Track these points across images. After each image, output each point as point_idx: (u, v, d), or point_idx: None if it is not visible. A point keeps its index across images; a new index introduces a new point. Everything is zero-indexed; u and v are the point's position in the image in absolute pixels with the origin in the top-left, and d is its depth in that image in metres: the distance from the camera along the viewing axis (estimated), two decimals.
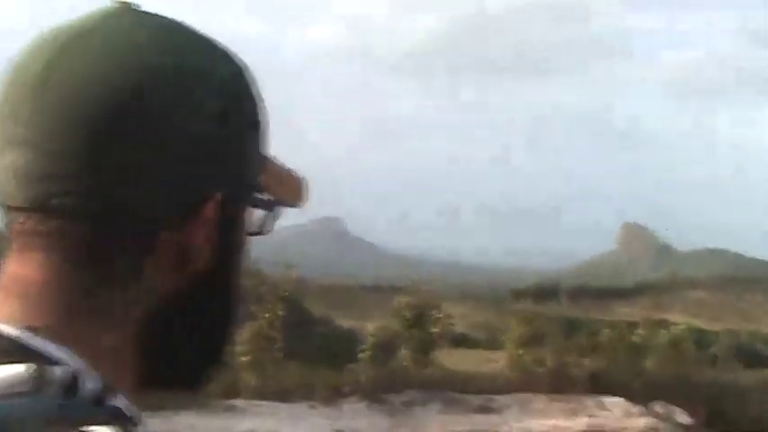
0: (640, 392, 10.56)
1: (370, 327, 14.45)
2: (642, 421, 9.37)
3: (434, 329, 12.92)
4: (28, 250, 0.55)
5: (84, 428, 0.49)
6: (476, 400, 10.08)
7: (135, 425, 0.54)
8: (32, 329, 0.53)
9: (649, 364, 13.27)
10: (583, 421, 9.46)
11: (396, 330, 13.31)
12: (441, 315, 13.30)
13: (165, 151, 0.55)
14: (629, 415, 9.73)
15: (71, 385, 0.51)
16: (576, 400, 10.30)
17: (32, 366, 0.50)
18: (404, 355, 12.68)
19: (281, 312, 12.22)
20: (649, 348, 14.32)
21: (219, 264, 0.61)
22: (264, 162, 0.66)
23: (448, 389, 10.21)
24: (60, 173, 0.53)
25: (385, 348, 12.98)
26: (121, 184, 0.54)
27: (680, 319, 26.14)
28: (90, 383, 0.52)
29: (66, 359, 0.53)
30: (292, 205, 0.71)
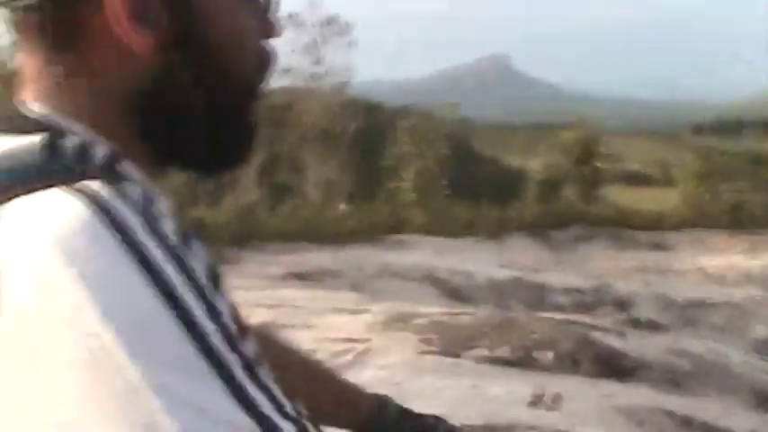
0: None
1: (536, 164, 14.23)
2: None
3: (602, 165, 12.55)
4: (21, 40, 0.60)
5: (78, 184, 0.51)
6: (646, 236, 9.82)
7: (136, 184, 0.54)
8: (53, 108, 0.57)
9: None
10: (764, 259, 8.98)
11: (562, 167, 13.03)
12: (609, 152, 12.85)
13: None
14: None
15: (82, 152, 0.55)
16: (756, 238, 9.76)
17: (47, 135, 0.55)
18: (571, 191, 12.47)
19: (445, 151, 12.28)
20: None
21: (156, 39, 0.57)
22: None
23: (616, 225, 9.98)
24: None
25: (551, 185, 12.79)
26: None
27: None
28: (100, 152, 0.56)
29: (79, 131, 0.56)
30: None
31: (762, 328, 7.12)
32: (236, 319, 0.54)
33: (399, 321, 5.57)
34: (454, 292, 7.37)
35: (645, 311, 7.18)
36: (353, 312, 5.82)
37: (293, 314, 5.58)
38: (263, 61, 0.64)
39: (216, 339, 0.49)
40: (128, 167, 0.57)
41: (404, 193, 11.78)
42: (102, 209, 0.49)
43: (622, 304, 7.34)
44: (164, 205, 0.55)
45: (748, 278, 8.46)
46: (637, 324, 6.74)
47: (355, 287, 7.13)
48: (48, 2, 0.56)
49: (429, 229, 9.87)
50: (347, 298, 6.41)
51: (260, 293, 5.88)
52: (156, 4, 0.57)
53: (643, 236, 9.80)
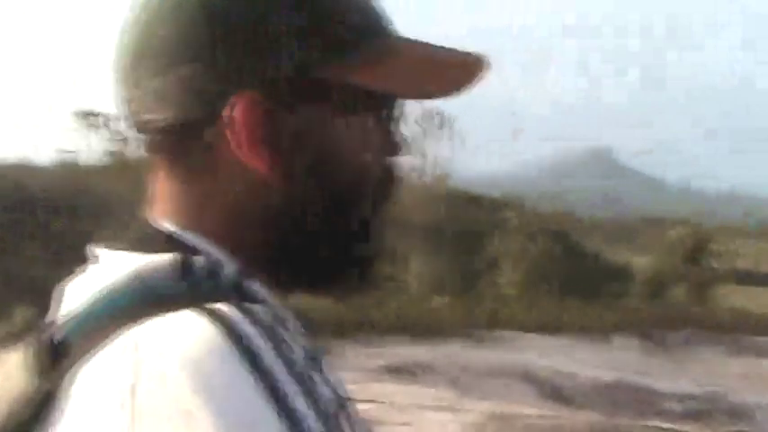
0: None
1: (642, 261, 13.80)
2: None
3: (714, 264, 12.04)
4: (152, 159, 0.63)
5: (210, 305, 0.51)
6: (764, 343, 9.25)
7: (265, 305, 0.54)
8: (183, 226, 0.59)
9: None
10: None
11: (670, 265, 12.58)
12: (719, 248, 12.35)
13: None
14: None
15: (212, 272, 0.56)
16: None
17: (180, 254, 0.56)
18: (679, 291, 11.98)
19: (549, 246, 12.11)
20: None
21: (282, 168, 0.59)
22: (356, 47, 0.60)
23: (730, 328, 9.47)
24: (122, 97, 0.62)
25: (658, 283, 12.33)
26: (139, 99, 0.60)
27: None
28: (229, 270, 0.57)
29: (210, 251, 0.58)
30: (432, 95, 0.64)
31: None
32: None
33: (499, 420, 5.40)
34: (556, 394, 7.11)
35: (764, 425, 6.70)
36: (451, 410, 5.69)
37: (391, 410, 5.51)
38: (387, 180, 0.65)
39: None
40: (256, 287, 0.58)
41: (504, 287, 11.62)
42: (232, 332, 0.50)
43: (737, 414, 6.88)
44: (292, 326, 0.55)
45: None
46: None
47: (453, 384, 6.99)
48: (183, 126, 0.59)
49: (530, 326, 9.64)
50: (445, 395, 6.29)
51: (357, 387, 5.84)
52: (287, 131, 0.58)
53: (760, 341, 9.24)
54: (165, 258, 0.56)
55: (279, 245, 0.60)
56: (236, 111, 0.57)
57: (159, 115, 0.59)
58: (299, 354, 0.52)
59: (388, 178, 0.65)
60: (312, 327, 0.62)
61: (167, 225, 0.60)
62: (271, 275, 0.60)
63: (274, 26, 0.58)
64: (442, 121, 13.77)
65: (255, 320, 0.51)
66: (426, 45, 0.63)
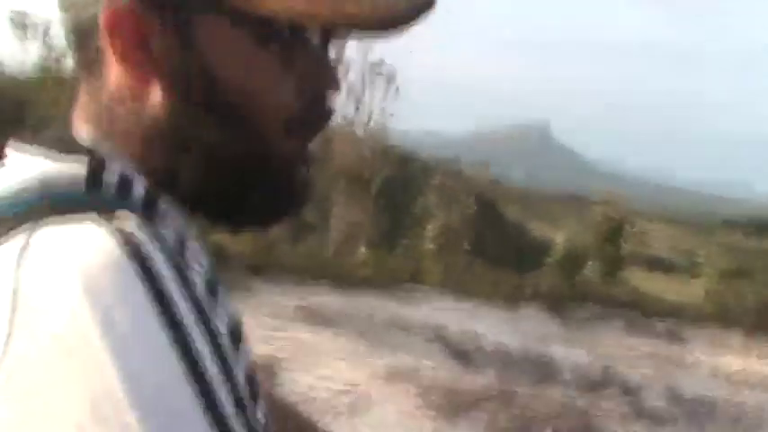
0: None
1: (562, 236, 14.16)
2: None
3: (627, 246, 12.45)
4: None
5: (113, 219, 0.50)
6: (663, 325, 9.67)
7: (172, 228, 0.54)
8: (99, 137, 0.58)
9: None
10: None
11: (587, 243, 12.94)
12: (635, 231, 12.76)
13: None
14: None
15: (123, 186, 0.55)
16: None
17: (90, 164, 0.55)
18: (592, 268, 12.36)
19: (471, 210, 12.28)
20: None
21: (164, 87, 0.56)
22: None
23: (633, 309, 9.85)
24: None
25: (572, 260, 12.68)
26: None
27: None
28: (140, 187, 0.56)
29: (122, 164, 0.56)
30: (353, 21, 0.56)
31: None
32: (251, 378, 0.53)
33: (402, 375, 5.51)
34: (460, 354, 7.29)
35: (651, 401, 7.04)
36: (357, 360, 5.77)
37: (297, 353, 5.55)
38: (311, 113, 0.62)
39: (229, 416, 0.48)
40: (166, 206, 0.56)
41: (424, 244, 11.76)
42: (133, 251, 0.48)
43: (629, 390, 7.21)
44: (197, 251, 0.54)
45: (762, 384, 8.27)
46: (640, 413, 6.61)
47: (362, 335, 7.09)
48: (80, 31, 0.57)
49: (445, 287, 9.82)
50: (352, 346, 6.37)
51: (267, 329, 5.86)
52: (157, 36, 0.55)
53: (659, 324, 9.65)
54: (73, 167, 0.54)
55: (175, 170, 0.57)
56: (108, 17, 0.54)
57: (67, 15, 0.57)
58: (200, 279, 0.51)
59: (313, 113, 0.62)
60: (228, 262, 0.61)
61: (84, 134, 0.58)
62: (178, 201, 0.58)
63: None
64: (387, 75, 13.69)
65: (157, 239, 0.50)
66: None
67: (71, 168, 0.54)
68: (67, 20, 0.58)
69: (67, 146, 0.57)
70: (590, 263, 12.40)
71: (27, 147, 0.57)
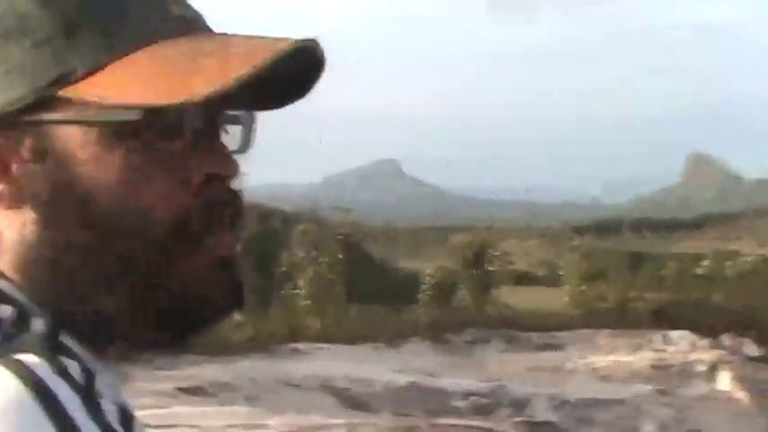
0: (708, 326, 10.35)
1: (430, 267, 14.48)
2: (710, 355, 9.18)
3: (493, 268, 12.89)
4: None
5: (12, 356, 0.47)
6: (538, 337, 10.04)
7: (75, 359, 0.50)
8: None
9: (717, 296, 12.98)
10: (648, 356, 9.33)
11: (454, 270, 13.30)
12: (498, 253, 13.25)
13: None
14: (695, 348, 9.55)
15: (20, 321, 0.51)
16: (640, 335, 10.16)
17: None
18: (463, 294, 12.69)
19: (340, 255, 12.34)
20: (717, 281, 14.00)
21: (35, 213, 0.52)
22: (94, 58, 0.50)
23: (509, 327, 10.19)
24: None
25: (444, 288, 12.99)
26: None
27: (750, 251, 25.48)
28: (38, 322, 0.51)
29: (18, 298, 0.52)
30: (187, 99, 0.49)
31: (648, 423, 7.33)
32: None
33: None
34: (353, 401, 7.25)
35: (540, 412, 7.27)
36: (249, 428, 5.62)
37: None
38: (202, 208, 0.54)
39: None
40: (68, 340, 0.52)
41: (298, 300, 11.67)
42: (37, 385, 0.45)
43: (518, 406, 7.41)
44: (106, 382, 0.51)
45: (634, 375, 8.74)
46: (533, 426, 6.81)
47: (250, 400, 6.91)
48: None
49: (325, 337, 9.77)
50: (242, 412, 6.19)
51: (149, 412, 5.59)
52: (11, 153, 0.52)
53: (535, 336, 10.02)
54: None
55: (70, 298, 0.53)
56: None
57: None
58: (110, 410, 0.49)
59: (215, 204, 0.54)
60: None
61: None
62: (82, 327, 0.54)
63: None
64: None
65: (62, 373, 0.47)
66: (217, 36, 0.53)
67: None
68: None
69: None
70: (461, 289, 12.75)
71: None
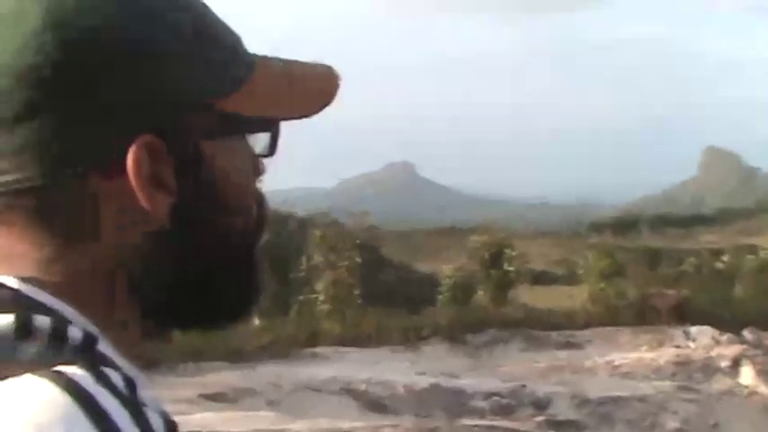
0: (729, 321, 10.27)
1: (447, 269, 14.47)
2: (732, 350, 9.12)
3: (511, 268, 12.86)
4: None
5: (54, 368, 0.47)
6: (557, 336, 10.01)
7: (116, 369, 0.50)
8: (31, 282, 0.53)
9: (738, 290, 12.88)
10: (669, 352, 9.28)
11: (472, 271, 13.28)
12: (515, 253, 13.23)
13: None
14: (717, 343, 9.49)
15: (57, 333, 0.51)
16: (661, 331, 10.10)
17: (19, 314, 0.50)
18: (482, 295, 12.67)
19: (358, 260, 12.36)
20: (736, 275, 13.90)
21: (185, 212, 0.55)
22: (235, 74, 0.57)
23: (528, 326, 10.16)
24: None
25: (462, 289, 12.99)
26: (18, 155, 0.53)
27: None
28: (77, 332, 0.51)
29: (57, 308, 0.52)
30: (307, 113, 0.62)
31: (671, 419, 7.30)
32: None
33: None
34: (374, 404, 7.27)
35: (562, 411, 7.25)
36: None
37: None
38: (261, 205, 0.62)
39: None
40: (107, 349, 0.53)
41: (317, 304, 11.70)
42: (82, 396, 0.46)
43: (540, 405, 7.40)
44: (146, 392, 0.52)
45: (656, 372, 8.70)
46: (555, 424, 6.80)
47: (272, 405, 6.95)
48: (48, 184, 0.53)
49: (344, 341, 9.78)
50: (265, 418, 6.23)
51: (176, 419, 5.64)
52: (169, 169, 0.55)
53: (555, 335, 9.99)
54: (4, 318, 0.50)
55: (151, 287, 0.55)
56: (128, 159, 0.53)
57: (10, 176, 0.53)
58: (155, 421, 0.49)
59: (261, 203, 0.63)
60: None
61: (11, 281, 0.53)
62: (134, 325, 0.56)
63: (164, 62, 0.54)
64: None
65: (106, 383, 0.48)
66: (278, 60, 0.61)
67: (3, 321, 0.50)
68: None
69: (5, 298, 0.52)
70: (479, 291, 12.74)
71: None
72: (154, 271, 0.55)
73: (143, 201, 0.53)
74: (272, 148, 0.62)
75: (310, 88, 0.62)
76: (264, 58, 0.60)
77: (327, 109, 0.63)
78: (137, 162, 0.53)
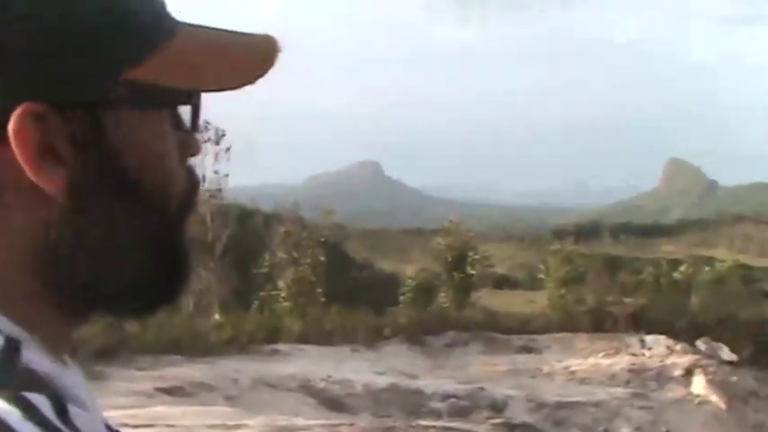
0: (684, 330, 10.47)
1: (410, 270, 14.51)
2: (686, 359, 9.30)
3: (473, 271, 12.93)
4: None
5: None
6: (517, 340, 10.10)
7: (43, 388, 0.46)
8: None
9: (694, 301, 13.12)
10: (625, 359, 9.43)
11: (435, 273, 13.34)
12: (479, 256, 13.30)
13: None
14: (672, 352, 9.67)
15: None
16: (618, 338, 10.26)
17: None
18: (444, 297, 12.74)
19: (321, 258, 12.34)
20: (693, 286, 14.15)
21: (85, 187, 0.50)
22: (148, 39, 0.52)
23: (488, 330, 10.24)
24: None
25: (425, 291, 13.04)
26: None
27: (726, 256, 25.74)
28: None
29: None
30: (232, 85, 0.56)
31: (625, 425, 7.42)
32: None
33: None
34: (332, 402, 7.27)
35: (518, 414, 7.33)
36: (228, 428, 5.62)
37: None
38: (191, 181, 0.57)
39: None
40: (34, 354, 0.48)
41: (278, 301, 11.67)
42: None
43: (497, 408, 7.47)
44: (82, 392, 0.49)
45: (611, 379, 8.83)
46: (511, 427, 6.86)
47: (230, 400, 6.91)
48: None
49: (305, 338, 9.77)
50: (222, 412, 6.20)
51: (129, 411, 5.58)
52: (64, 140, 0.49)
53: (514, 339, 10.09)
54: None
55: (72, 268, 0.51)
56: (13, 126, 0.48)
57: None
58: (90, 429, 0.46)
59: (191, 178, 0.58)
60: (75, 351, 0.57)
61: None
62: (58, 309, 0.52)
63: (67, 24, 0.49)
64: (214, 136, 13.55)
65: (35, 416, 0.44)
66: (210, 29, 0.56)
67: None
68: None
69: None
70: (441, 293, 12.80)
71: None
72: (64, 253, 0.51)
73: (30, 173, 0.48)
74: (193, 123, 0.57)
75: (240, 60, 0.56)
76: (192, 26, 0.56)
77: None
78: (19, 131, 0.48)
